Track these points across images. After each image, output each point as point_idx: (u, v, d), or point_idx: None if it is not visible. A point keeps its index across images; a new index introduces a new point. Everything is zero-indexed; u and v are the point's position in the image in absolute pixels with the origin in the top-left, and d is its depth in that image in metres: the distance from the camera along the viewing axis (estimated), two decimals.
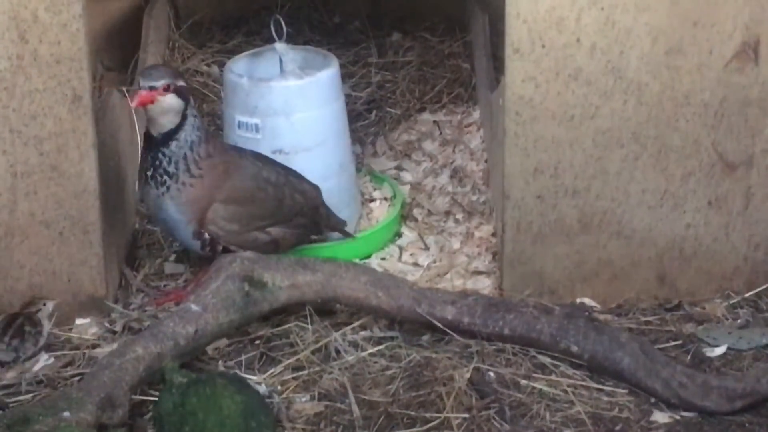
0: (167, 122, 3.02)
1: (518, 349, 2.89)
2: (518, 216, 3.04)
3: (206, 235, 3.07)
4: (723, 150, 3.00)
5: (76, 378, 2.85)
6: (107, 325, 3.05)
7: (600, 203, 3.03)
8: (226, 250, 3.06)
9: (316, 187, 3.23)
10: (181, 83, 3.02)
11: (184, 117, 3.02)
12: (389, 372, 2.84)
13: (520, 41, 2.90)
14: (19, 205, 2.96)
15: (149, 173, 3.04)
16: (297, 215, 3.16)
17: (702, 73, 2.94)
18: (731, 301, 3.10)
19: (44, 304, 2.97)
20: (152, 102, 2.99)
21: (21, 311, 2.96)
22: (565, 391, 2.78)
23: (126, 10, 4.20)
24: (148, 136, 3.06)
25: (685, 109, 2.97)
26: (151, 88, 2.99)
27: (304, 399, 2.78)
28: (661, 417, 2.74)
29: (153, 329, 2.78)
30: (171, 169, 3.02)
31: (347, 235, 3.31)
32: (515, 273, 3.09)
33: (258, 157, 3.17)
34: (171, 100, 3.00)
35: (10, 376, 2.88)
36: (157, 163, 3.02)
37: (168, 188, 3.03)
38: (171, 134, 3.02)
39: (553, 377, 2.82)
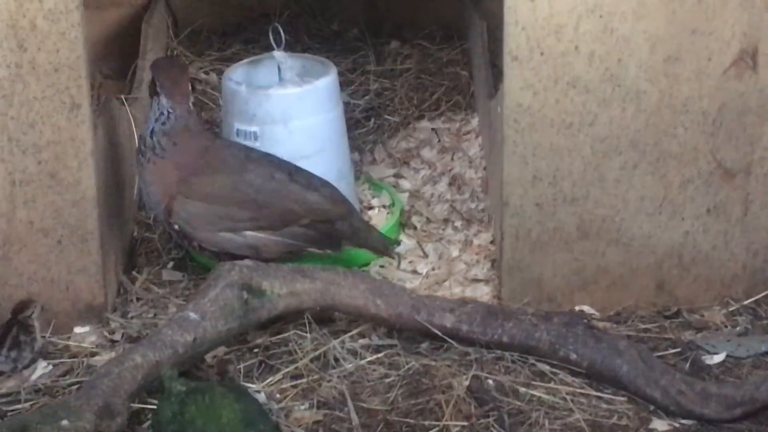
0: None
1: (517, 357, 2.89)
2: (517, 223, 3.04)
3: (176, 227, 3.10)
4: (721, 157, 3.00)
5: (75, 386, 2.84)
6: (106, 333, 3.05)
7: (599, 211, 3.03)
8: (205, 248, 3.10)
9: (334, 201, 3.15)
10: (152, 77, 3.13)
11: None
12: (388, 380, 2.84)
13: (518, 49, 2.90)
14: (18, 213, 2.96)
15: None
16: (290, 224, 3.14)
17: (700, 81, 2.94)
18: (730, 309, 3.10)
19: (35, 307, 2.96)
20: None
21: (14, 317, 2.95)
22: (564, 399, 2.78)
23: (124, 19, 4.20)
24: None
25: (683, 117, 2.97)
26: None
27: (303, 407, 2.78)
28: (660, 425, 2.74)
29: (151, 337, 2.78)
30: (147, 139, 3.11)
31: (389, 256, 3.24)
32: (514, 280, 3.09)
33: (254, 158, 3.14)
34: None
35: (8, 384, 2.88)
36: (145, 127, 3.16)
37: (142, 156, 3.11)
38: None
39: (552, 385, 2.82)
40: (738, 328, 3.04)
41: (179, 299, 3.20)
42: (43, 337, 2.98)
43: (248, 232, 3.11)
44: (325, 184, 3.18)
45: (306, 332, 2.96)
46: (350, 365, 2.89)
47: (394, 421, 2.71)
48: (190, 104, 3.13)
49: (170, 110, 3.09)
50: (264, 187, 3.10)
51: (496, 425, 2.70)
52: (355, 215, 3.21)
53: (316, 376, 2.85)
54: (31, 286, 3.02)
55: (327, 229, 3.15)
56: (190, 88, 3.15)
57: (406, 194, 3.62)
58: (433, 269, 3.33)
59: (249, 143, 3.27)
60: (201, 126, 3.23)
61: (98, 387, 2.61)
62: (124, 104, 3.36)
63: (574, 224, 3.04)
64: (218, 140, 3.29)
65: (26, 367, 2.93)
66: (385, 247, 3.22)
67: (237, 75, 3.38)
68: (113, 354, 2.90)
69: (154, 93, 3.14)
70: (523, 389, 2.80)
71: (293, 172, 3.17)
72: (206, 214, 3.08)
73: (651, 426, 2.73)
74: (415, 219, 3.52)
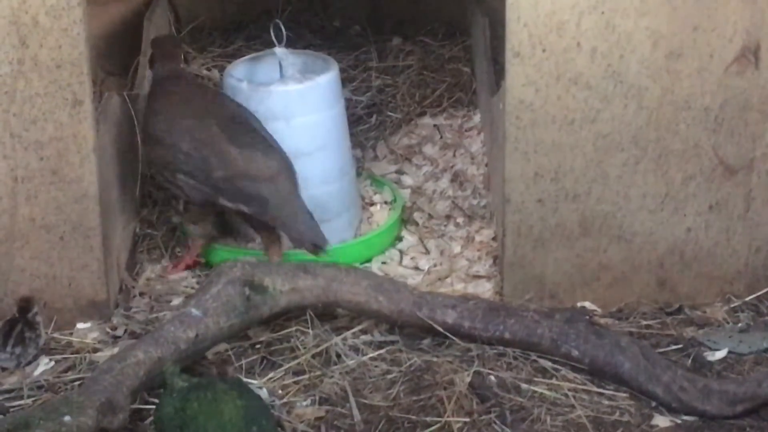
0: None
1: (519, 353, 2.89)
2: (519, 220, 3.04)
3: None
4: (723, 154, 3.00)
5: (77, 382, 2.85)
6: (108, 330, 3.05)
7: (600, 207, 3.03)
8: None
9: (263, 161, 3.14)
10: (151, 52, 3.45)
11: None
12: (390, 376, 2.84)
13: (520, 45, 2.90)
14: (20, 209, 2.96)
15: None
16: (209, 174, 3.15)
17: (702, 77, 2.94)
18: (732, 305, 3.10)
19: (36, 304, 2.96)
20: None
21: (19, 316, 2.95)
22: (566, 395, 2.78)
23: (126, 15, 4.20)
24: None
25: (685, 113, 2.97)
26: None
27: (305, 403, 2.78)
28: (661, 421, 2.74)
29: (154, 334, 2.78)
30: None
31: (312, 252, 3.13)
32: (516, 277, 3.09)
33: (211, 111, 3.22)
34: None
35: (11, 380, 2.88)
36: None
37: None
38: None
39: (553, 381, 2.82)
40: (740, 325, 3.04)
41: (181, 296, 3.20)
42: (46, 333, 2.98)
43: (179, 175, 3.19)
44: (270, 148, 3.18)
45: (308, 328, 2.97)
46: (352, 361, 2.89)
47: (395, 417, 2.71)
48: (180, 65, 3.41)
49: (160, 69, 3.38)
50: (193, 135, 3.18)
51: (497, 421, 2.70)
52: (289, 196, 3.15)
53: (317, 373, 2.85)
54: (34, 283, 3.02)
55: (247, 188, 3.14)
56: (181, 56, 3.44)
57: (408, 191, 3.62)
58: (435, 266, 3.33)
59: None
60: (187, 80, 3.44)
61: (100, 383, 2.62)
62: (126, 101, 3.36)
63: (576, 221, 3.04)
64: (198, 90, 3.43)
65: (29, 363, 2.93)
66: (307, 242, 3.11)
67: (238, 71, 3.38)
68: (115, 350, 2.90)
69: (152, 64, 3.44)
70: (524, 385, 2.80)
71: (238, 127, 3.19)
72: (149, 152, 3.27)
73: (653, 422, 2.73)
74: (417, 215, 3.52)
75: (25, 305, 2.95)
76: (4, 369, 2.93)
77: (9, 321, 2.95)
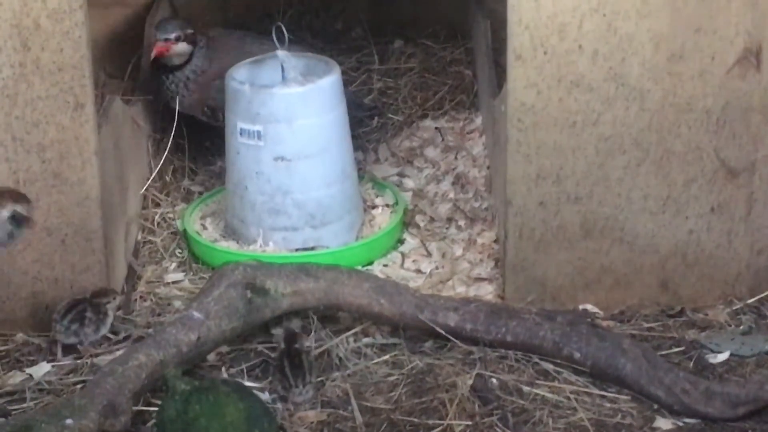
0: (177, 61, 3.56)
1: (521, 356, 2.89)
2: (520, 222, 3.04)
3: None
4: (725, 156, 3.00)
5: (79, 385, 2.85)
6: (110, 333, 3.05)
7: (602, 209, 3.03)
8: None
9: None
10: (189, 31, 3.55)
11: (191, 56, 3.57)
12: (392, 379, 2.84)
13: (522, 48, 2.90)
14: None
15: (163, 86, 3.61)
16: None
17: (704, 80, 2.94)
18: (734, 308, 3.10)
19: (114, 298, 2.99)
20: (167, 52, 3.53)
21: (90, 299, 2.96)
22: (568, 398, 2.78)
23: (128, 18, 4.20)
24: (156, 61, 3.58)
25: (687, 116, 2.97)
26: (166, 40, 3.53)
27: (306, 406, 2.78)
28: (664, 423, 2.74)
29: (155, 336, 2.78)
30: (172, 87, 3.57)
31: None
32: (517, 279, 3.09)
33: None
34: (181, 48, 3.55)
35: (13, 383, 2.89)
36: (163, 82, 3.60)
37: (172, 97, 3.60)
38: (177, 68, 3.57)
39: (555, 384, 2.82)
40: (742, 327, 3.04)
41: (182, 299, 3.20)
42: (113, 324, 3.00)
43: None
44: None
45: (310, 331, 2.97)
46: (354, 364, 2.89)
47: (398, 420, 2.71)
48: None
49: (205, 45, 3.59)
50: None
51: (499, 424, 2.70)
52: None
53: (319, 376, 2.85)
54: (35, 285, 3.02)
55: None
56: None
57: (410, 193, 3.62)
58: (437, 268, 3.33)
59: (252, 142, 3.28)
60: None
61: (102, 386, 2.62)
62: (128, 104, 3.36)
63: (578, 223, 3.04)
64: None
65: (91, 345, 2.95)
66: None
67: (240, 74, 3.38)
68: (117, 353, 2.90)
69: (194, 47, 3.58)
70: (526, 388, 2.80)
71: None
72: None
73: (655, 425, 2.73)
74: (418, 218, 3.52)
75: (98, 293, 2.99)
76: (66, 347, 2.94)
77: (75, 300, 2.97)
